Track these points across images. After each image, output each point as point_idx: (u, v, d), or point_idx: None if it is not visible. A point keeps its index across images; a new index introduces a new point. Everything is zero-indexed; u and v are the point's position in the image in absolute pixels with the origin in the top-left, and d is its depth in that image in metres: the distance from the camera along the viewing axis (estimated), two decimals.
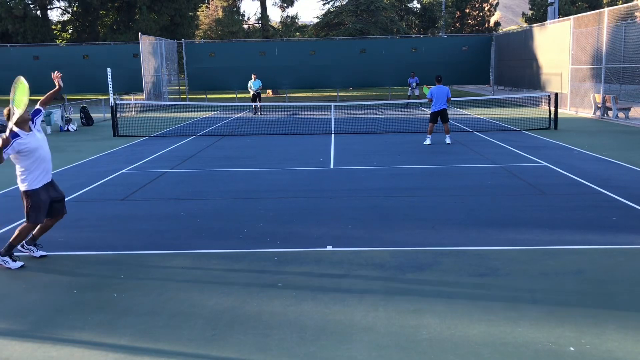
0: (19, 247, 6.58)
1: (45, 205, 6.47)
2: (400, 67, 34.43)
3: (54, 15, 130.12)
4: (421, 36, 49.35)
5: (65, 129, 20.79)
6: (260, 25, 52.22)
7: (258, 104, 26.80)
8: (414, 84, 29.97)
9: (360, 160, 13.21)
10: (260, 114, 26.76)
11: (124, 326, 4.90)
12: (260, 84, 27.17)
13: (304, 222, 8.12)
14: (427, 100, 15.80)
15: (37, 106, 6.57)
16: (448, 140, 15.31)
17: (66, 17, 50.42)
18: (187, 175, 11.78)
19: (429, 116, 15.83)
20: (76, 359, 4.41)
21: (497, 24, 61.28)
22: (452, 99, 24.41)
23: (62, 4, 68.28)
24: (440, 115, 15.34)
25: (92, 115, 23.37)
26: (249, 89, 27.14)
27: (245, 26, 54.10)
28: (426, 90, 16.15)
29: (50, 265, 6.57)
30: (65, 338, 4.74)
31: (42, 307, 5.38)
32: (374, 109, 28.17)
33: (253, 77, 26.87)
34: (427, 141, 15.29)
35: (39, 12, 43.77)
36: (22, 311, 5.31)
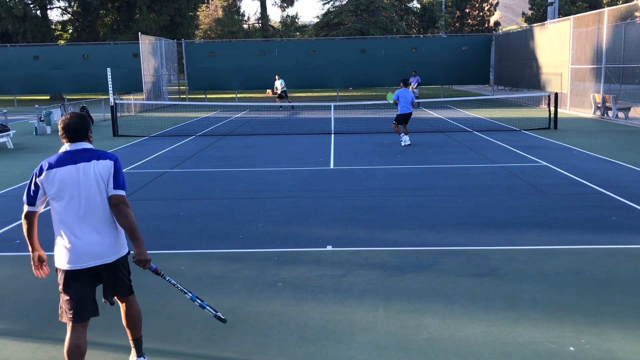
0: None
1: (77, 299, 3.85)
2: (400, 67, 34.43)
3: (54, 15, 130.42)
4: (421, 36, 49.35)
5: None
6: (260, 25, 52.24)
7: (288, 102, 29.82)
8: (415, 84, 29.95)
9: (360, 160, 13.20)
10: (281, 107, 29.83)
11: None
12: (284, 82, 30.16)
13: (304, 222, 8.12)
14: (393, 102, 15.46)
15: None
16: (408, 141, 15.10)
17: (66, 17, 50.41)
18: (187, 175, 11.77)
19: (395, 118, 15.44)
20: None
21: (497, 23, 61.31)
22: (451, 99, 24.25)
23: (62, 3, 68.38)
24: (406, 119, 15.10)
25: (92, 115, 23.36)
26: (276, 90, 30.23)
27: (245, 26, 54.10)
28: (390, 96, 15.87)
29: (50, 265, 6.56)
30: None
31: (42, 307, 5.37)
32: (374, 109, 28.17)
33: (277, 77, 30.25)
34: (407, 141, 15.08)
35: (38, 12, 43.72)
36: (22, 311, 5.31)
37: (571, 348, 4.41)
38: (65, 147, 3.87)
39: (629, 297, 5.35)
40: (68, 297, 3.83)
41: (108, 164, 3.85)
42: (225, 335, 4.73)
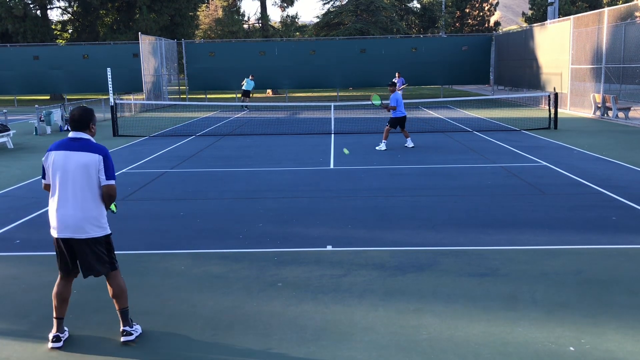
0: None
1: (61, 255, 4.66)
2: (400, 67, 34.43)
3: (54, 15, 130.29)
4: (421, 36, 49.35)
5: (65, 128, 20.78)
6: (260, 25, 52.23)
7: (241, 101, 30.52)
8: (400, 85, 29.65)
9: (360, 160, 13.20)
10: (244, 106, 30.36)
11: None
12: (250, 83, 30.46)
13: (304, 222, 8.12)
14: (392, 107, 14.66)
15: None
16: (411, 144, 14.79)
17: (66, 17, 50.40)
18: (187, 175, 11.77)
19: (392, 121, 14.81)
20: (76, 359, 4.41)
21: (497, 23, 61.30)
22: (451, 99, 24.19)
23: (62, 3, 68.41)
24: (401, 122, 14.70)
25: None
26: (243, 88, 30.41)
27: (245, 26, 54.09)
28: (376, 98, 15.36)
29: (50, 265, 6.56)
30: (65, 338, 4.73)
31: (42, 307, 5.37)
32: (374, 109, 28.16)
33: (251, 77, 30.56)
34: (382, 146, 14.52)
35: (38, 12, 43.69)
36: (22, 311, 5.31)
37: (571, 348, 4.41)
38: (70, 134, 4.60)
39: (629, 297, 5.35)
40: (57, 256, 4.65)
41: (97, 158, 4.47)
42: (225, 335, 4.73)
